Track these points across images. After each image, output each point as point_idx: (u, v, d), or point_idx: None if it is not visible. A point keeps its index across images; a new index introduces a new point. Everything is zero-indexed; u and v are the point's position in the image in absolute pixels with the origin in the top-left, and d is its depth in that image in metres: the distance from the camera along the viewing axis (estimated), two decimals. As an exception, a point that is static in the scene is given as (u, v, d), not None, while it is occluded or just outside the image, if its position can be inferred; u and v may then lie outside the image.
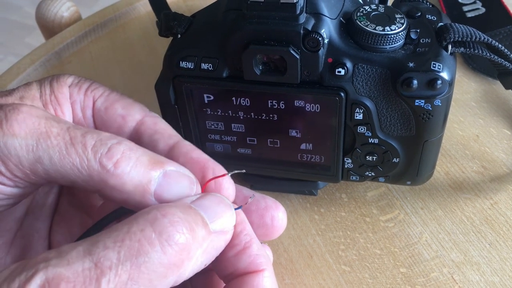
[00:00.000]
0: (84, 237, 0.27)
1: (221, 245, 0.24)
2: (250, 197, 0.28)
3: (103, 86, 0.30)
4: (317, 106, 0.30)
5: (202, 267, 0.24)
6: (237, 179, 0.31)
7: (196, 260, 0.22)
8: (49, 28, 0.55)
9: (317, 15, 0.28)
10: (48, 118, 0.25)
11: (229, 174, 0.26)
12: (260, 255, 0.26)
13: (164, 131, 0.29)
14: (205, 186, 0.26)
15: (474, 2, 0.50)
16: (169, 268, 0.21)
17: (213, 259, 0.24)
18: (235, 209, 0.26)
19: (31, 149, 0.24)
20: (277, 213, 0.28)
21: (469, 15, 0.49)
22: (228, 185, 0.26)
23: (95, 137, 0.25)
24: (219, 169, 0.26)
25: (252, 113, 0.31)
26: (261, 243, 0.29)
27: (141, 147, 0.25)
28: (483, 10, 0.49)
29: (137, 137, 0.29)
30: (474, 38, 0.29)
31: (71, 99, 0.29)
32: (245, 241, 0.25)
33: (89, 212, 0.32)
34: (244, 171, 0.27)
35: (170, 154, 0.27)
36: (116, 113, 0.29)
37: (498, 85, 0.43)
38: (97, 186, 0.24)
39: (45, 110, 0.27)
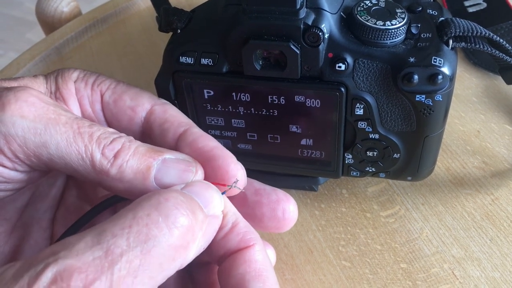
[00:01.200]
0: (77, 225, 0.27)
1: (215, 228, 0.25)
2: (235, 182, 0.27)
3: (109, 78, 0.30)
4: (318, 102, 0.30)
5: (201, 250, 0.24)
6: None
7: (199, 242, 0.23)
8: (49, 23, 0.55)
9: (318, 10, 0.28)
10: (56, 106, 0.25)
11: (229, 188, 0.26)
12: (248, 231, 0.26)
13: (174, 118, 0.29)
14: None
15: (476, -3, 0.50)
16: (177, 250, 0.21)
17: (209, 242, 0.24)
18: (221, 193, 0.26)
19: (38, 132, 0.24)
20: (288, 205, 0.29)
21: (470, 10, 0.49)
22: (240, 175, 0.26)
23: (101, 129, 0.25)
24: (226, 157, 0.26)
25: (252, 109, 0.31)
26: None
27: (140, 141, 0.26)
28: (484, 5, 0.49)
29: (148, 127, 0.29)
30: (475, 32, 0.29)
31: (78, 95, 0.29)
32: (231, 221, 0.26)
33: (95, 204, 0.32)
34: (243, 190, 0.27)
35: (178, 145, 0.27)
36: (125, 105, 0.29)
37: (499, 80, 0.43)
38: (99, 177, 0.25)
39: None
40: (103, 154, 0.24)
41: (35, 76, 0.29)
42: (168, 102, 0.30)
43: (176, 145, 0.28)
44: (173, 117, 0.29)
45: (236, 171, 0.26)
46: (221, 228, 0.25)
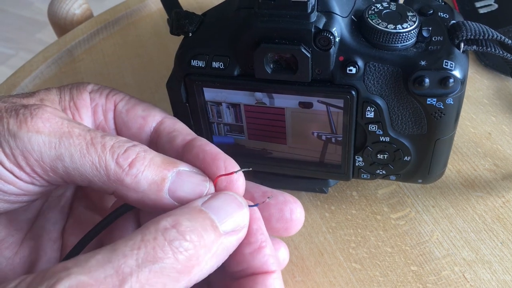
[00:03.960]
0: (88, 236, 0.28)
1: (233, 244, 0.25)
2: (268, 197, 0.28)
3: (123, 92, 0.32)
4: (328, 105, 0.30)
5: (214, 268, 0.24)
6: (246, 176, 0.31)
7: (205, 264, 0.23)
8: (61, 25, 0.55)
9: (329, 14, 0.28)
10: (70, 120, 0.26)
11: (237, 172, 0.26)
12: (273, 256, 0.26)
13: (182, 129, 0.30)
14: (216, 180, 0.26)
15: (487, -2, 0.49)
16: (181, 273, 0.22)
17: (225, 259, 0.25)
18: (251, 206, 0.26)
19: (53, 146, 0.25)
20: (295, 207, 0.29)
21: (481, 11, 0.49)
22: (238, 180, 0.27)
23: (114, 139, 0.26)
24: (230, 162, 0.27)
25: (263, 112, 0.31)
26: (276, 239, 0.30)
27: (154, 151, 0.26)
28: (495, 6, 0.49)
29: (156, 136, 0.30)
30: (486, 36, 0.29)
31: (93, 103, 0.30)
32: (261, 240, 0.26)
33: (103, 214, 0.32)
34: (251, 169, 0.28)
35: (186, 148, 0.28)
36: (137, 114, 0.30)
37: (511, 82, 0.43)
38: (113, 186, 0.25)
39: (61, 111, 0.28)
40: (117, 163, 0.25)
41: (48, 89, 0.30)
42: (177, 119, 0.31)
43: (182, 151, 0.28)
44: (182, 128, 0.30)
45: (238, 176, 0.27)
46: (250, 243, 0.26)
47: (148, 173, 0.25)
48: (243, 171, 0.27)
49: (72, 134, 0.25)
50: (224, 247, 0.24)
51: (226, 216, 0.24)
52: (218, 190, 0.26)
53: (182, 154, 0.28)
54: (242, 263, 0.26)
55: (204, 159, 0.27)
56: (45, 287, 0.19)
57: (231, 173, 0.26)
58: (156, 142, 0.30)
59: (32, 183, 0.26)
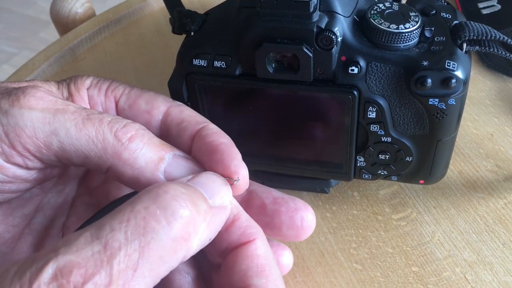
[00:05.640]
0: (88, 223, 0.27)
1: (222, 219, 0.24)
2: (236, 180, 0.26)
3: (122, 84, 0.31)
4: (330, 104, 0.30)
5: (208, 241, 0.24)
6: (252, 178, 0.31)
7: (202, 234, 0.22)
8: (63, 24, 0.55)
9: (331, 13, 0.28)
10: (64, 100, 0.26)
11: (235, 182, 0.26)
12: (249, 225, 0.26)
13: (191, 118, 0.29)
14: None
15: (490, -1, 0.49)
16: (178, 242, 0.21)
17: (216, 233, 0.24)
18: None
19: (47, 121, 0.24)
20: (306, 214, 0.29)
21: (484, 12, 0.49)
22: (242, 174, 0.26)
23: (111, 116, 0.25)
24: (229, 153, 0.26)
25: (265, 111, 0.31)
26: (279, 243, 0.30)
27: (151, 132, 0.26)
28: (498, 7, 0.49)
29: (166, 129, 0.29)
30: (489, 36, 0.29)
31: (91, 102, 0.30)
32: (233, 214, 0.26)
33: None
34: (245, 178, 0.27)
35: (194, 142, 0.28)
36: (140, 109, 0.29)
37: (513, 83, 0.43)
38: (110, 161, 0.25)
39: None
40: (116, 136, 0.25)
41: (45, 81, 0.29)
42: (182, 104, 0.30)
43: (192, 143, 0.28)
44: (190, 116, 0.29)
45: (238, 168, 0.26)
46: None
47: (146, 150, 0.25)
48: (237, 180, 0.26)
49: (67, 110, 0.25)
50: (215, 220, 0.23)
51: (213, 191, 0.24)
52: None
53: (191, 146, 0.28)
54: (221, 242, 0.25)
55: (205, 152, 0.26)
56: (34, 268, 0.19)
57: (228, 178, 0.26)
58: (167, 136, 0.29)
59: (26, 166, 0.25)
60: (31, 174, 0.26)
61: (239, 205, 0.26)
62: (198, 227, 0.22)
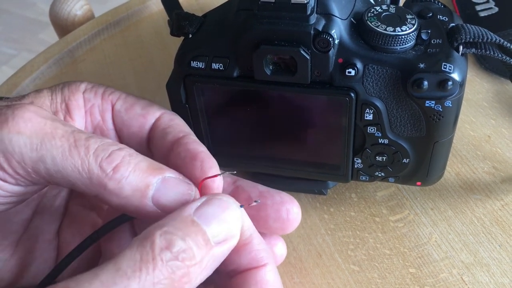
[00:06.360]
0: (85, 244, 0.27)
1: (224, 253, 0.24)
2: (255, 201, 0.27)
3: (118, 90, 0.31)
4: (327, 106, 0.30)
5: (205, 277, 0.24)
6: (246, 177, 0.31)
7: (196, 279, 0.23)
8: (62, 26, 0.56)
9: (328, 16, 0.28)
10: (54, 120, 0.25)
11: (221, 174, 0.26)
12: (261, 250, 0.26)
13: (177, 126, 0.29)
14: (201, 184, 0.26)
15: (487, 1, 0.50)
16: None
17: (216, 267, 0.24)
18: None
19: (35, 147, 0.24)
20: (292, 206, 0.29)
21: (481, 14, 0.49)
22: (214, 182, 0.26)
23: (98, 141, 0.25)
24: (208, 162, 0.26)
25: (262, 113, 0.32)
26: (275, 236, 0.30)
27: (141, 154, 0.26)
28: (496, 9, 0.49)
29: (152, 131, 0.30)
30: (485, 39, 0.29)
31: (88, 104, 0.30)
32: (246, 236, 0.25)
33: (100, 213, 0.32)
34: (235, 172, 0.28)
35: (174, 146, 0.28)
36: (136, 113, 0.30)
37: (510, 86, 0.43)
38: (96, 190, 0.24)
39: (52, 113, 0.27)
40: (100, 167, 0.24)
41: (38, 91, 0.29)
42: (175, 113, 0.31)
43: (171, 148, 0.28)
44: (177, 124, 0.30)
45: (214, 180, 0.26)
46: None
47: (132, 178, 0.24)
48: (227, 173, 0.27)
49: (55, 135, 0.24)
50: (215, 258, 0.23)
51: (219, 226, 0.23)
52: (203, 193, 0.26)
53: (171, 149, 0.28)
54: (230, 263, 0.26)
55: (184, 158, 0.27)
56: None
57: (216, 175, 0.26)
58: (152, 138, 0.30)
59: (17, 184, 0.25)
60: (24, 189, 0.26)
61: (253, 227, 0.26)
62: (193, 276, 0.22)
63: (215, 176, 0.26)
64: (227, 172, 0.27)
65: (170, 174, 0.25)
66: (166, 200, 0.25)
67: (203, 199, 0.24)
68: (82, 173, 0.24)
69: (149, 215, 0.25)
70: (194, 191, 0.26)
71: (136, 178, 0.24)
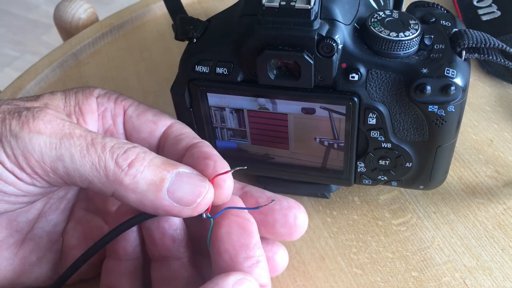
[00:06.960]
0: (101, 242, 0.28)
1: None
2: (272, 200, 0.29)
3: (131, 97, 0.32)
4: (331, 111, 0.30)
5: None
6: (250, 180, 0.31)
7: None
8: (66, 29, 0.56)
9: (331, 21, 0.28)
10: (71, 122, 0.27)
11: (232, 171, 0.27)
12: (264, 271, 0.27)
13: (190, 133, 0.31)
14: (213, 180, 0.27)
15: (490, 6, 0.50)
16: None
17: None
18: (253, 208, 0.27)
19: (54, 146, 0.25)
20: (299, 212, 0.29)
21: (484, 18, 0.49)
22: (226, 181, 0.27)
23: (114, 140, 0.26)
24: (221, 162, 0.27)
25: (266, 117, 0.32)
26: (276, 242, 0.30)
27: (154, 153, 0.27)
28: (498, 13, 0.49)
29: (164, 139, 0.31)
30: (488, 44, 0.29)
31: (101, 108, 0.31)
32: (257, 255, 0.26)
33: (105, 217, 0.32)
34: (245, 167, 0.28)
35: (188, 150, 0.29)
36: (147, 119, 0.31)
37: (513, 90, 0.43)
38: (112, 187, 0.25)
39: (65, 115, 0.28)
40: (116, 164, 0.25)
41: (52, 93, 0.30)
42: (184, 124, 0.32)
43: (184, 153, 0.29)
44: (189, 133, 0.31)
45: (226, 177, 0.27)
46: (248, 258, 0.26)
47: (147, 173, 0.25)
48: (239, 169, 0.27)
49: (73, 135, 0.25)
50: None
51: None
52: (215, 187, 0.27)
53: (183, 155, 0.29)
54: None
55: (197, 158, 0.27)
56: None
57: (227, 171, 0.27)
58: (163, 145, 0.30)
59: (33, 184, 0.26)
60: (39, 190, 0.27)
61: (262, 249, 0.27)
62: None
63: (227, 172, 0.27)
64: (238, 168, 0.28)
65: (184, 169, 0.26)
66: (181, 193, 0.26)
67: (243, 278, 0.25)
68: (100, 170, 0.25)
69: (166, 209, 0.26)
70: (208, 183, 0.26)
71: (151, 173, 0.25)
